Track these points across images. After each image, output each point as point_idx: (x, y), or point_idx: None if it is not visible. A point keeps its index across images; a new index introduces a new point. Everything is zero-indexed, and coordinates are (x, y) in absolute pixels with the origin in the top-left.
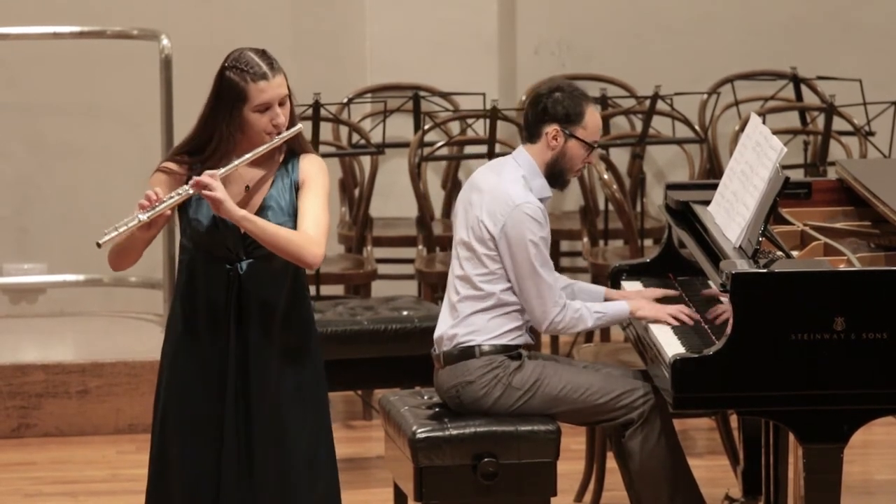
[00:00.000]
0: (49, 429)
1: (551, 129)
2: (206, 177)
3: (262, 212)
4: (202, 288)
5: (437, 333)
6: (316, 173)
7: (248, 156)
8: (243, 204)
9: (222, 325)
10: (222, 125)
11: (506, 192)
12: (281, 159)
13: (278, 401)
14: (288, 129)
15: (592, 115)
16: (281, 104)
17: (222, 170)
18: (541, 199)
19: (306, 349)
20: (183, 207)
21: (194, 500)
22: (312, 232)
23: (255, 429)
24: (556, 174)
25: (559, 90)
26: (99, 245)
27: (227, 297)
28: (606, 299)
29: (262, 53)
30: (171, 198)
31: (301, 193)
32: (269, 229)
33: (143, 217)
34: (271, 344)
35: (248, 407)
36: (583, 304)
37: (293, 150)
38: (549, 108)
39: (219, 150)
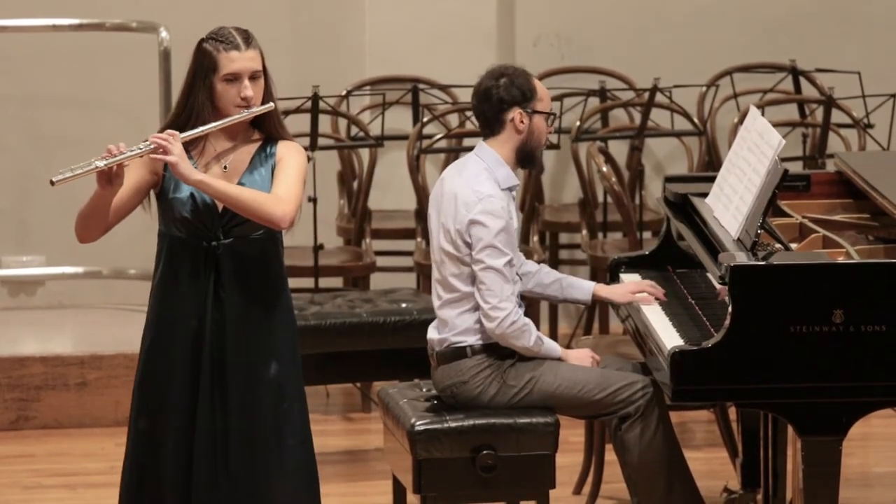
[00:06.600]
0: (48, 421)
1: (515, 113)
2: (166, 135)
3: None
4: (181, 268)
5: (429, 335)
6: (291, 155)
7: (213, 124)
8: None
9: (201, 305)
10: (197, 96)
11: (469, 188)
12: (259, 141)
13: (254, 388)
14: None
15: (539, 84)
16: (253, 79)
17: (185, 133)
18: (509, 189)
19: (283, 334)
20: (163, 191)
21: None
22: (282, 194)
23: (231, 417)
24: (527, 155)
25: (502, 75)
26: (52, 183)
27: (205, 275)
28: (594, 295)
29: (242, 30)
30: (132, 151)
31: (275, 172)
32: (229, 189)
33: (101, 164)
34: (248, 324)
35: (224, 394)
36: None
37: (272, 135)
38: (503, 95)
39: (196, 124)
